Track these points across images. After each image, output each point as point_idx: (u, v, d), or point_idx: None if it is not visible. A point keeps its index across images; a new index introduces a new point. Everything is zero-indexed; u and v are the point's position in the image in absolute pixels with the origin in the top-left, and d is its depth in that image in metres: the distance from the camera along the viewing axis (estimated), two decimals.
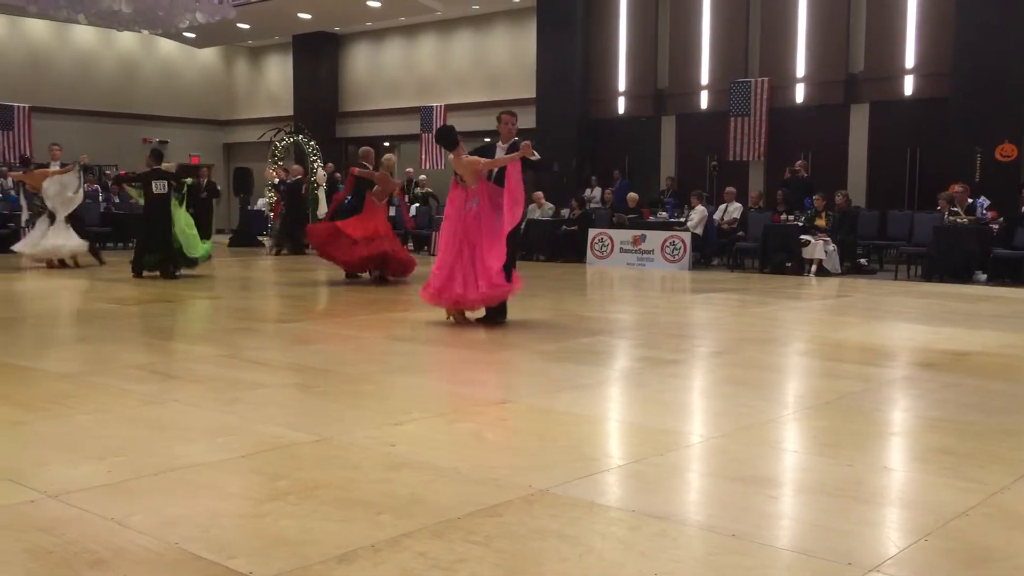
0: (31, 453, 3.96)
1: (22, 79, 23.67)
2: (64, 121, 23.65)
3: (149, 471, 3.68)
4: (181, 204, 12.77)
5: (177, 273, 12.55)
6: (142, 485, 3.52)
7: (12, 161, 22.38)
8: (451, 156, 8.08)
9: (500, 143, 8.11)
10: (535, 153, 7.72)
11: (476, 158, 7.97)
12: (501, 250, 7.65)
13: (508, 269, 7.77)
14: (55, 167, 14.32)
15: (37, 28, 23.90)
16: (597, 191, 18.83)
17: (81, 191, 14.50)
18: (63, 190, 14.00)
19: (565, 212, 17.52)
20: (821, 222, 14.08)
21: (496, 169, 7.90)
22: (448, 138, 8.10)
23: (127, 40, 25.51)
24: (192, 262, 12.70)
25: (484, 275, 7.66)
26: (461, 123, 21.22)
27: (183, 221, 12.66)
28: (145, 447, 4.05)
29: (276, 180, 19.65)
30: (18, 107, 22.88)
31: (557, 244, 16.71)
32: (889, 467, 4.02)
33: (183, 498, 3.38)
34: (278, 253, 18.06)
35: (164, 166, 12.90)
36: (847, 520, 3.23)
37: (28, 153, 17.26)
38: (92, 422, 4.52)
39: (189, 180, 13.20)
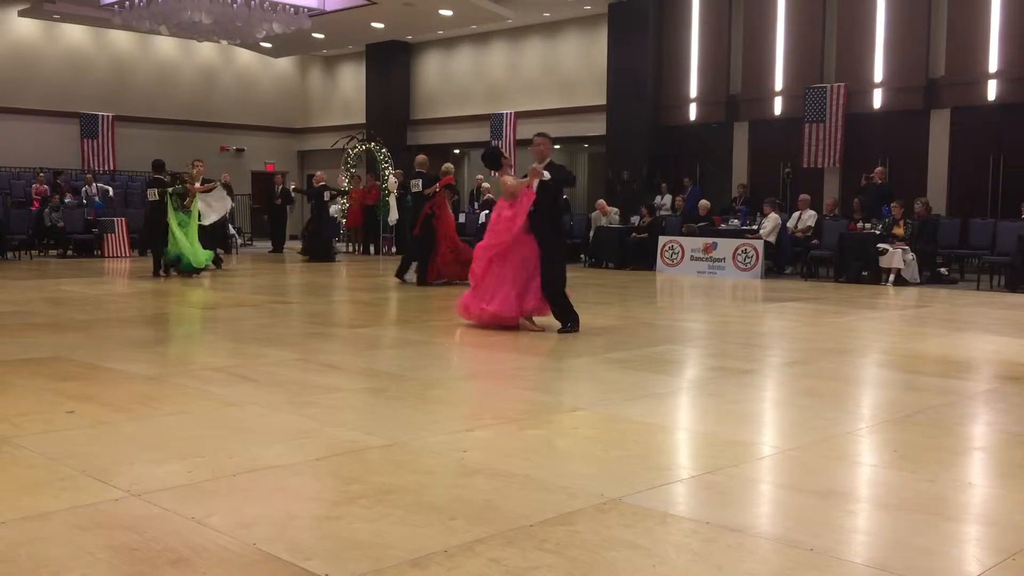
0: (116, 452, 4.08)
1: (106, 89, 24.44)
2: (145, 129, 24.37)
3: (228, 472, 3.76)
4: (176, 210, 13.67)
5: (161, 273, 13.68)
6: (221, 485, 3.60)
7: (97, 169, 23.18)
8: (498, 175, 8.62)
9: (536, 165, 8.30)
10: (544, 174, 7.98)
11: (507, 179, 8.42)
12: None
13: (553, 288, 8.04)
14: (198, 184, 14.65)
15: (121, 40, 24.67)
16: (667, 198, 18.70)
17: (224, 205, 15.63)
18: (207, 210, 14.85)
19: (635, 220, 17.42)
20: (899, 230, 13.75)
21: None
22: (492, 159, 8.69)
23: (206, 50, 26.17)
24: (193, 269, 13.71)
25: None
26: (531, 130, 21.33)
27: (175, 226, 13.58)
28: (224, 448, 4.14)
29: (292, 186, 19.85)
30: (102, 116, 23.67)
31: (626, 251, 16.62)
32: (973, 483, 3.90)
33: (260, 499, 3.45)
34: (308, 260, 17.97)
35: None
36: (929, 537, 3.15)
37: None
38: (174, 423, 4.63)
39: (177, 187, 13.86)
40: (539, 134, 8.44)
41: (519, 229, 7.97)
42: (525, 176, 8.28)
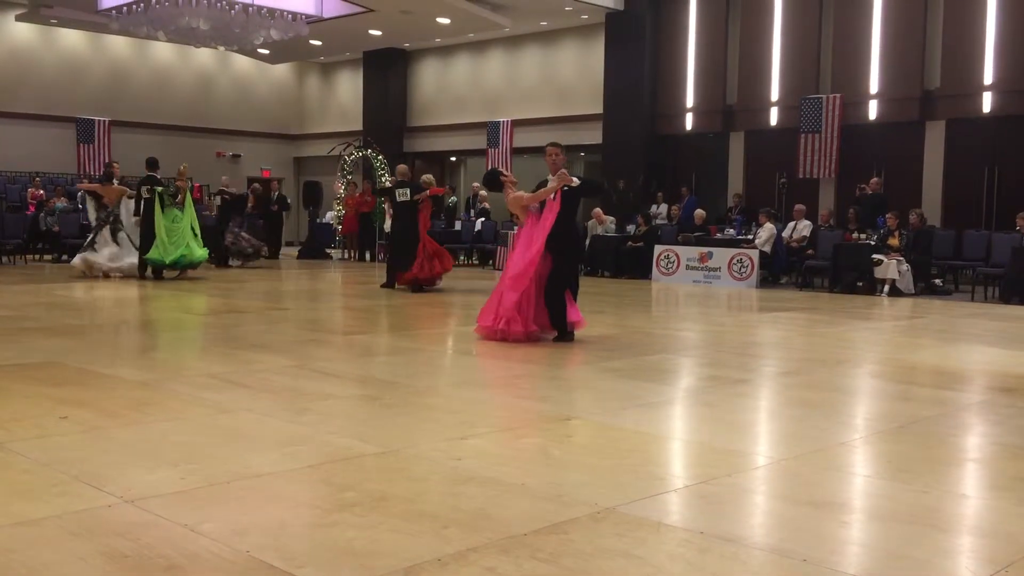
0: (110, 458, 4.07)
1: (103, 94, 24.45)
2: (142, 135, 24.35)
3: (221, 479, 3.75)
4: (169, 207, 13.90)
5: (147, 274, 13.89)
6: (214, 492, 3.59)
7: (93, 173, 23.16)
8: (507, 196, 8.29)
9: (550, 176, 7.90)
10: (573, 180, 7.72)
11: (521, 193, 8.11)
12: (521, 284, 7.71)
13: (554, 294, 7.84)
14: (115, 183, 14.66)
15: (118, 45, 24.67)
16: (663, 207, 18.72)
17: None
18: (128, 214, 14.44)
19: (631, 228, 17.44)
20: (894, 241, 13.79)
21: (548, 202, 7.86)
22: (492, 181, 8.43)
23: (203, 56, 26.19)
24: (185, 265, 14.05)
25: (499, 308, 7.81)
26: (528, 139, 21.62)
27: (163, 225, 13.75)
28: (217, 455, 4.13)
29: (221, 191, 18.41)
30: (99, 121, 23.65)
31: (622, 260, 16.63)
32: (966, 494, 3.91)
33: (253, 506, 3.44)
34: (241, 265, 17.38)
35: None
36: (922, 548, 3.15)
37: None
38: (167, 429, 4.62)
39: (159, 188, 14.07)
40: (552, 144, 8.11)
41: (542, 247, 7.69)
42: (545, 181, 7.91)
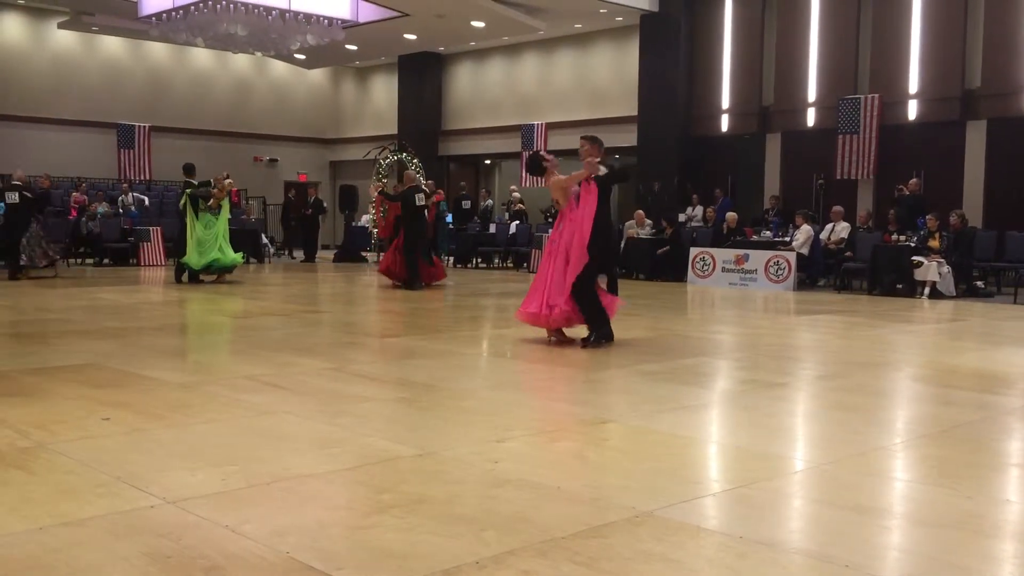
0: (151, 459, 4.12)
1: (143, 100, 24.80)
2: (181, 140, 24.66)
3: (261, 480, 3.79)
4: (203, 211, 14.08)
5: (182, 279, 14.05)
6: (254, 494, 3.62)
7: (134, 178, 23.49)
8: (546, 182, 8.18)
9: (591, 159, 7.92)
10: (600, 168, 7.73)
11: (560, 176, 8.00)
12: (573, 269, 7.60)
13: (582, 290, 7.73)
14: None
15: (157, 51, 25.01)
16: (698, 209, 18.61)
17: None
18: None
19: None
20: (935, 243, 13.60)
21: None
22: (534, 166, 8.26)
23: (241, 62, 26.47)
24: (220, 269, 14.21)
25: (546, 295, 7.69)
26: (562, 141, 21.59)
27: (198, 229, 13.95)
28: (257, 456, 4.17)
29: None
30: (139, 126, 23.97)
31: (656, 263, 16.55)
32: (1010, 500, 3.85)
33: (293, 508, 3.47)
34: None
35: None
36: (966, 554, 3.10)
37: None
38: (208, 431, 4.68)
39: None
40: (581, 136, 8.11)
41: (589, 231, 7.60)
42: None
